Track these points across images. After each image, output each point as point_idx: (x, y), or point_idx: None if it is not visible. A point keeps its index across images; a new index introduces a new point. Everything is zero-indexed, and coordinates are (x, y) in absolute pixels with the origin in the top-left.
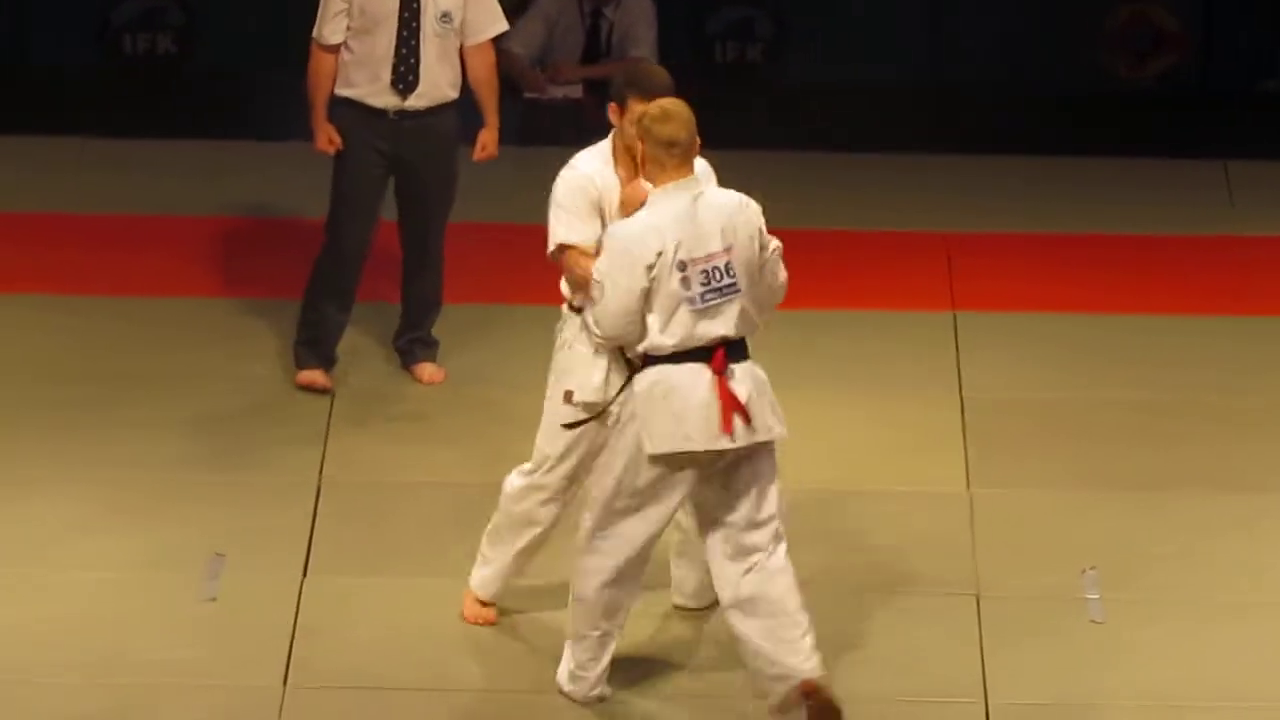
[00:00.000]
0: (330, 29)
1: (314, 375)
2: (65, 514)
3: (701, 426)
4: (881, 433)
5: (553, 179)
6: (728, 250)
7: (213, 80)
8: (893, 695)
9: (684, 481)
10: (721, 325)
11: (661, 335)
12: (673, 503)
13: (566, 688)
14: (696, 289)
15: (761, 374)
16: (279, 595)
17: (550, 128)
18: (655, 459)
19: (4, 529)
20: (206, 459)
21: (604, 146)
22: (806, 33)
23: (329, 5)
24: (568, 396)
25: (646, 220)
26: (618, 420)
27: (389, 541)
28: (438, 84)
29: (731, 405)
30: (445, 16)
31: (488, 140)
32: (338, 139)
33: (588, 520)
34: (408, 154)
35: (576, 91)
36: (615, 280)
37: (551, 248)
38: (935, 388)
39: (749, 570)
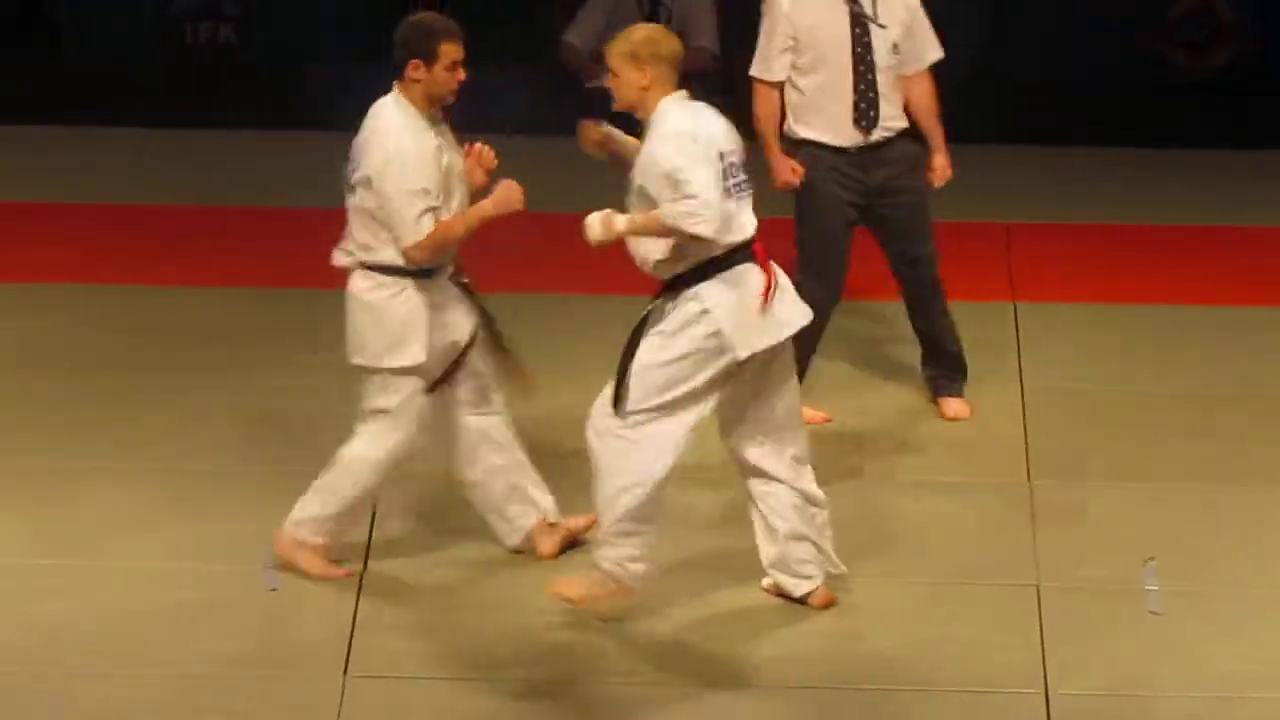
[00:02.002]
0: (777, 65)
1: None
2: (127, 504)
3: (766, 321)
4: (942, 423)
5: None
6: (739, 151)
7: (270, 69)
8: (953, 685)
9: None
10: (751, 216)
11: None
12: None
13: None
14: (732, 179)
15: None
16: (339, 584)
17: (610, 119)
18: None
19: (66, 520)
20: (268, 449)
21: (405, 112)
22: None
23: (773, 42)
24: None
25: (687, 116)
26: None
27: (450, 529)
28: (896, 114)
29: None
30: (895, 48)
31: (940, 164)
32: (800, 169)
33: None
34: (880, 184)
35: None
36: (698, 172)
37: (413, 242)
38: (995, 378)
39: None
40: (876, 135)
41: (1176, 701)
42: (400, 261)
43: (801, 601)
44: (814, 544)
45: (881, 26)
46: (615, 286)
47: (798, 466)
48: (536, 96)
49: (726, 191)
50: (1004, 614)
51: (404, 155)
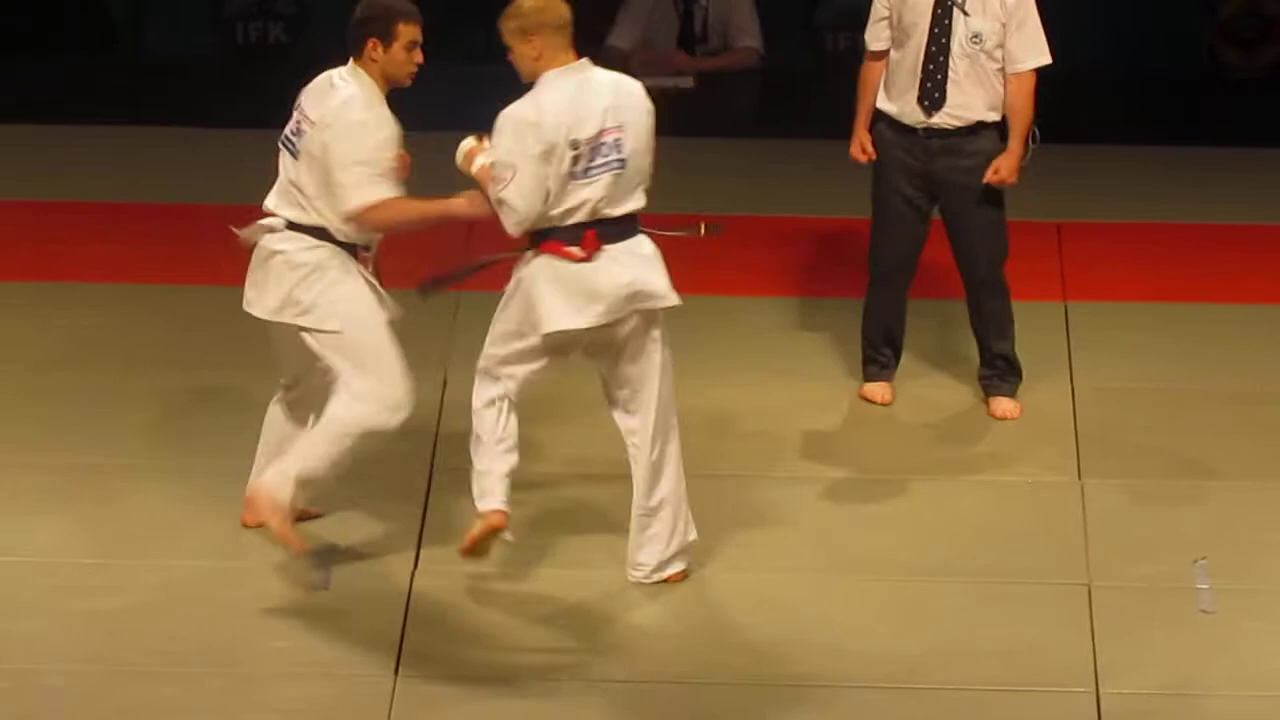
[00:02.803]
0: (872, 34)
1: (873, 389)
2: (180, 502)
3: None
4: (992, 421)
5: (665, 169)
6: (619, 128)
7: (322, 69)
8: (1005, 684)
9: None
10: (600, 199)
11: (551, 211)
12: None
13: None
14: (583, 164)
15: (650, 248)
16: (391, 585)
17: (661, 117)
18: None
19: (118, 518)
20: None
21: (367, 89)
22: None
23: (874, 9)
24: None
25: (541, 100)
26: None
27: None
28: (970, 104)
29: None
30: (976, 37)
31: (1001, 164)
32: (870, 149)
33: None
34: (941, 174)
35: (688, 82)
36: (523, 159)
37: (365, 203)
38: (1046, 377)
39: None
40: (939, 119)
41: (1228, 701)
42: (331, 227)
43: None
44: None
45: (965, 14)
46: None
47: (635, 450)
48: None
49: (571, 176)
50: (1055, 613)
51: (370, 124)
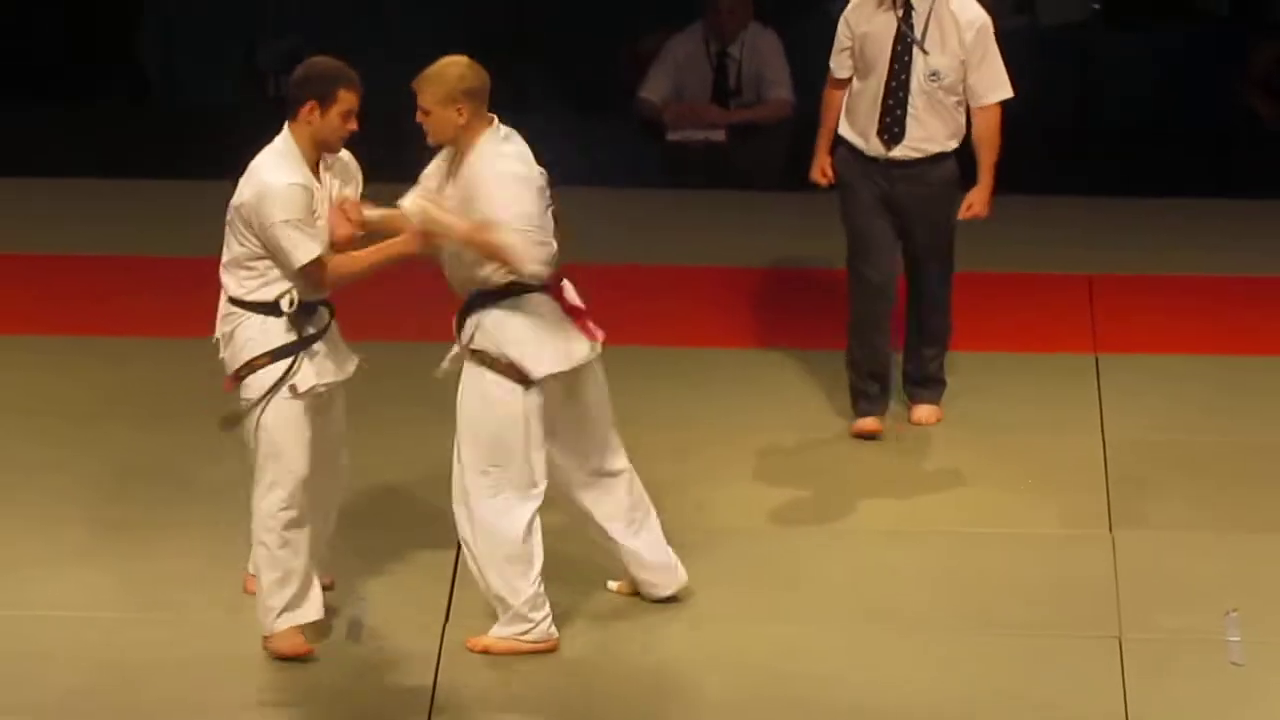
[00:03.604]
0: (836, 62)
1: (864, 423)
2: (209, 553)
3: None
4: (1023, 473)
5: (697, 222)
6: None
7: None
8: None
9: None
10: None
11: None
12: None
13: (551, 633)
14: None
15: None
16: (421, 630)
17: (693, 170)
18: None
19: (149, 571)
20: (352, 506)
21: (288, 152)
22: None
23: (838, 38)
24: (295, 390)
25: (514, 151)
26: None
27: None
28: (931, 137)
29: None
30: (934, 75)
31: (974, 199)
32: (830, 173)
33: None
34: (900, 199)
35: (718, 134)
36: (527, 210)
37: (300, 264)
38: (1078, 429)
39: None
40: (899, 152)
41: None
42: (272, 297)
43: None
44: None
45: (925, 51)
46: (686, 339)
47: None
48: (615, 147)
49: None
50: (1086, 665)
51: (275, 188)
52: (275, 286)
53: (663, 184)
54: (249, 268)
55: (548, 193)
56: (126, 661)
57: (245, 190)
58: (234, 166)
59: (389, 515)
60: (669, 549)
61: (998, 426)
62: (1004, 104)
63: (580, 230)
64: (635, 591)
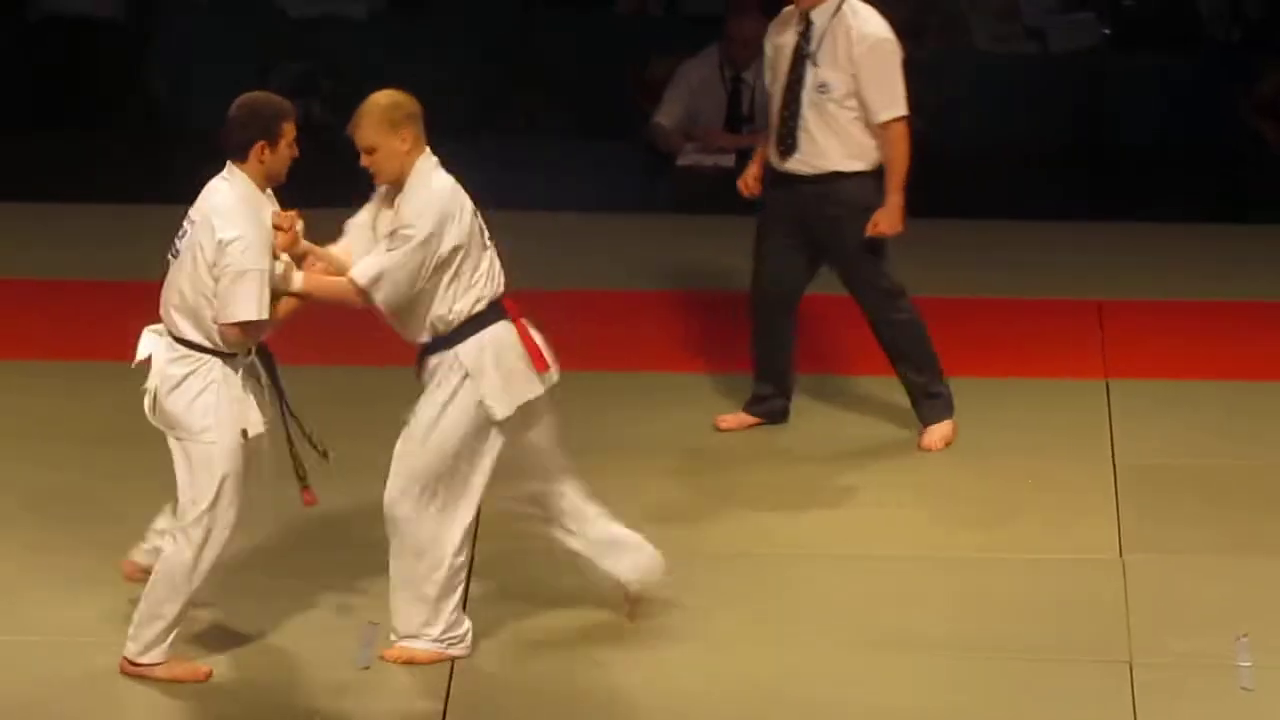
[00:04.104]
0: (766, 77)
1: (724, 418)
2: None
3: (530, 373)
4: (1034, 498)
5: (707, 247)
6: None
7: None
8: None
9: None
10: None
11: (485, 286)
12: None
13: (460, 649)
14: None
15: None
16: (431, 665)
17: (703, 197)
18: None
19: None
20: (363, 529)
21: (240, 195)
22: (958, 99)
23: (765, 54)
24: (245, 434)
25: (445, 178)
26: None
27: (545, 608)
28: (823, 153)
29: (533, 343)
30: (823, 87)
31: (879, 218)
32: (752, 185)
33: (435, 498)
34: (811, 218)
35: (728, 160)
36: (443, 244)
37: (245, 319)
38: (1088, 454)
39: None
40: (792, 165)
41: None
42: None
43: None
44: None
45: (815, 64)
46: (696, 365)
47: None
48: (623, 173)
49: (485, 245)
50: (1096, 689)
51: (248, 234)
52: None
53: (672, 209)
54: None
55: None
56: (138, 689)
57: (219, 232)
58: None
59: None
60: (636, 534)
61: (1008, 451)
62: (909, 122)
63: (590, 256)
64: (632, 610)
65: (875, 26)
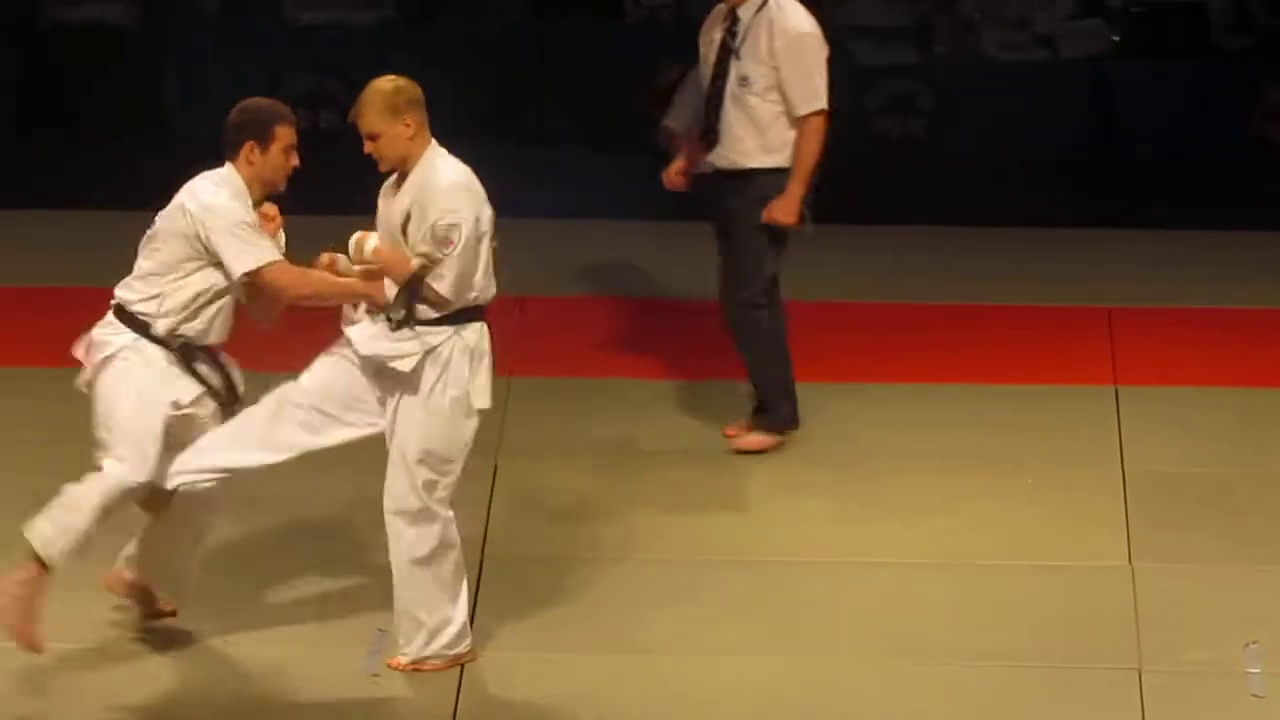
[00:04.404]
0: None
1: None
2: (232, 596)
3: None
4: (1043, 506)
5: (714, 255)
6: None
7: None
8: None
9: None
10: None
11: (486, 283)
12: None
13: (462, 648)
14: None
15: None
16: (441, 673)
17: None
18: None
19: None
20: (374, 537)
21: (232, 185)
22: (968, 107)
23: (700, 51)
24: (177, 405)
25: (461, 168)
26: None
27: (553, 616)
28: (740, 148)
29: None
30: (744, 80)
31: (776, 204)
32: (675, 179)
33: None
34: (720, 212)
35: None
36: (467, 232)
37: (256, 265)
38: (1097, 461)
39: None
40: (715, 158)
41: None
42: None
43: None
44: None
45: (738, 58)
46: (704, 372)
47: None
48: (633, 181)
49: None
50: (1106, 697)
51: (228, 203)
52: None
53: (680, 217)
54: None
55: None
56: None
57: (201, 204)
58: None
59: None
60: None
61: (1017, 458)
62: (828, 118)
63: (600, 264)
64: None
65: (798, 21)
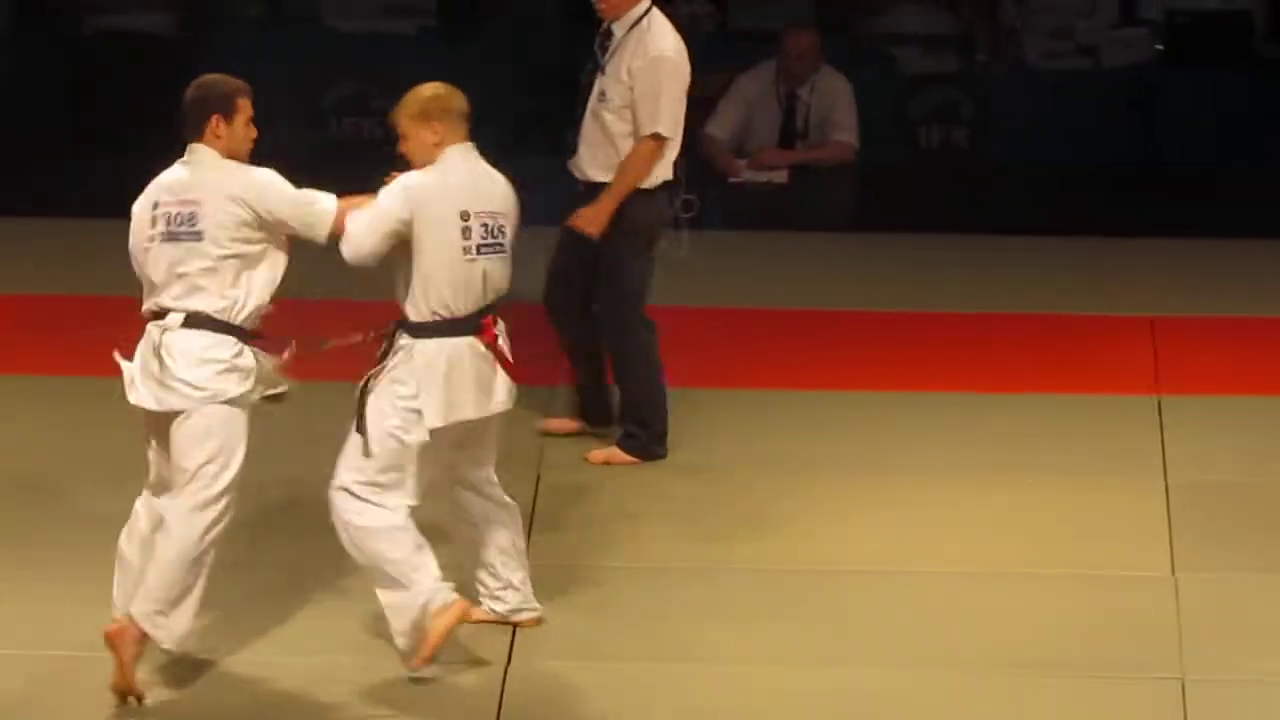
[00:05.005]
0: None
1: (549, 422)
2: (284, 598)
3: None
4: (1085, 516)
5: (760, 263)
6: (504, 214)
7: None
8: None
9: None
10: (489, 281)
11: (442, 294)
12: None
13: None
14: (475, 239)
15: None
16: (483, 676)
17: (755, 212)
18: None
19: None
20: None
21: (219, 161)
22: (1010, 116)
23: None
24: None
25: (439, 172)
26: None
27: (596, 626)
28: (589, 160)
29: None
30: (602, 96)
31: (584, 212)
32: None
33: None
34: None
35: (781, 176)
36: (388, 206)
37: (337, 206)
38: (1140, 471)
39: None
40: (572, 168)
41: None
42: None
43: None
44: None
45: (603, 73)
46: (747, 381)
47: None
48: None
49: (465, 250)
50: (1148, 707)
51: (269, 176)
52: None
53: (724, 226)
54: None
55: (474, 229)
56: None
57: (242, 190)
58: None
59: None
60: None
61: (1059, 468)
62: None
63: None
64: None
65: (662, 44)
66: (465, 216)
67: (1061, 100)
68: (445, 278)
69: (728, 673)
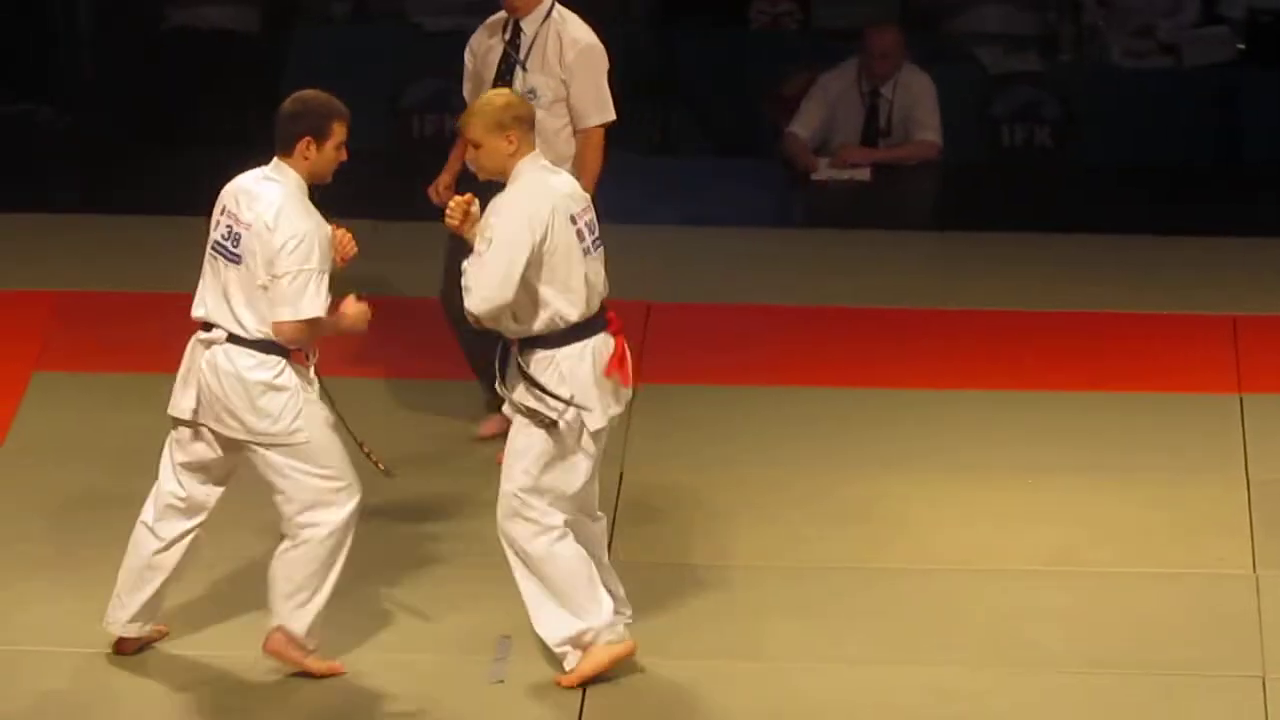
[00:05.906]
0: (466, 89)
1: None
2: (359, 601)
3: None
4: (1166, 514)
5: (843, 261)
6: (591, 210)
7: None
8: None
9: None
10: (600, 276)
11: (569, 301)
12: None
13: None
14: (587, 240)
15: None
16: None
17: (838, 210)
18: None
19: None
20: (496, 544)
21: (292, 192)
22: (1093, 114)
23: (465, 65)
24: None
25: (530, 188)
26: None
27: (677, 622)
28: None
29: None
30: (530, 93)
31: None
32: (444, 194)
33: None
34: None
35: (863, 174)
36: (517, 239)
37: (312, 315)
38: (1221, 469)
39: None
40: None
41: None
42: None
43: None
44: None
45: (525, 70)
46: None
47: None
48: (758, 189)
49: (585, 252)
50: (1229, 705)
51: (309, 232)
52: None
53: (807, 224)
54: None
55: (584, 231)
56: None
57: (278, 230)
58: (377, 206)
59: None
60: None
61: (1141, 466)
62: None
63: (726, 271)
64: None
65: (585, 33)
66: (574, 220)
67: (1144, 99)
68: (577, 282)
69: (809, 670)
